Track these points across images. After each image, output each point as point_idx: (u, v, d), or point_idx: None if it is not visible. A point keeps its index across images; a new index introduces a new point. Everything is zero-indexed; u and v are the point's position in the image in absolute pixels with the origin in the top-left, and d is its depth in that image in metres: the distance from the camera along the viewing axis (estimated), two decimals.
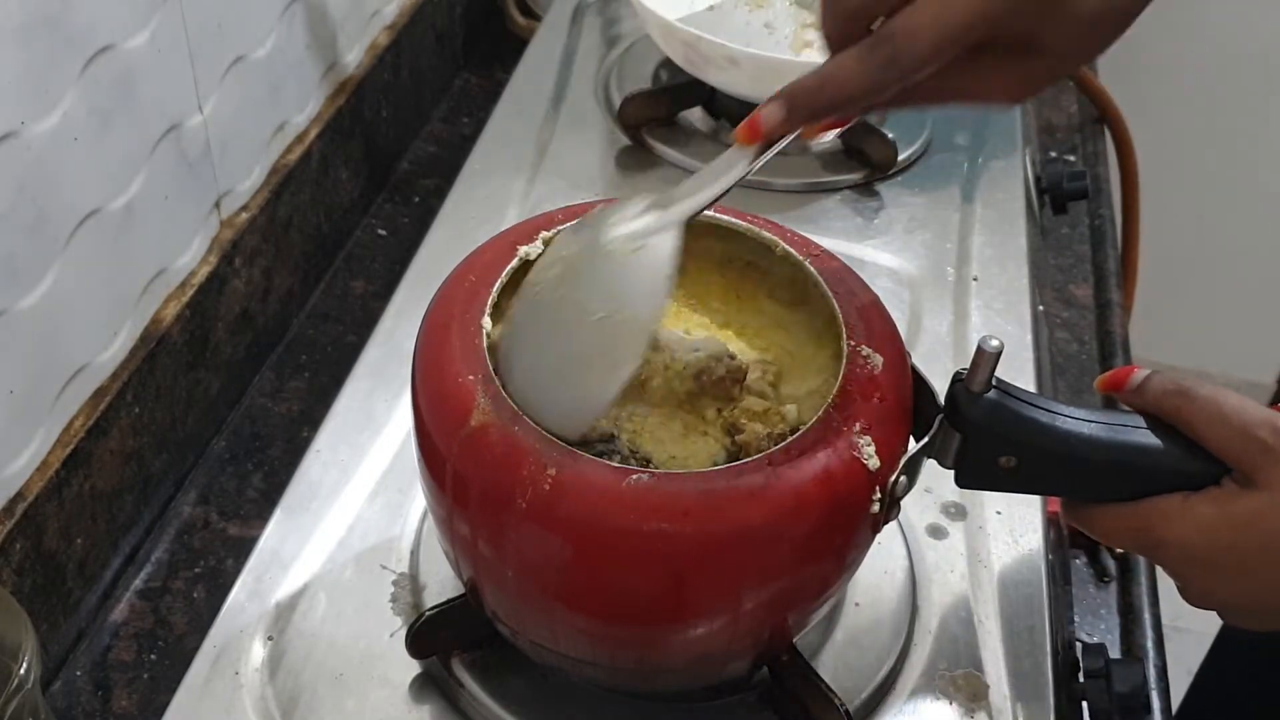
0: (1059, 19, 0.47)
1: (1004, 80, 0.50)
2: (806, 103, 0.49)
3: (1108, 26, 0.49)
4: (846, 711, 0.57)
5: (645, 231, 0.51)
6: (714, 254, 0.62)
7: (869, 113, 0.51)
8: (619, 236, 0.52)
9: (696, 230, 0.61)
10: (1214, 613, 0.53)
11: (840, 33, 0.48)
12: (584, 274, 0.52)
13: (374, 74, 1.01)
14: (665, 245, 0.50)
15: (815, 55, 0.99)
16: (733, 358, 0.56)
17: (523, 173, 0.94)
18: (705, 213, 0.60)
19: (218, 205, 0.82)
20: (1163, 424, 0.51)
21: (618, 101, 0.99)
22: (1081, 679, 0.68)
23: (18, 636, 0.50)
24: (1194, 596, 0.52)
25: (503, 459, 0.49)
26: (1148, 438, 0.51)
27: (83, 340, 0.69)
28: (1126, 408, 0.54)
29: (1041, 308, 0.93)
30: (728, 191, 0.52)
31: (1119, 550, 0.81)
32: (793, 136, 0.51)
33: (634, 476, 0.48)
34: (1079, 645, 0.71)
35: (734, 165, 0.52)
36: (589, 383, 0.50)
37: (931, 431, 0.53)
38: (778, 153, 0.52)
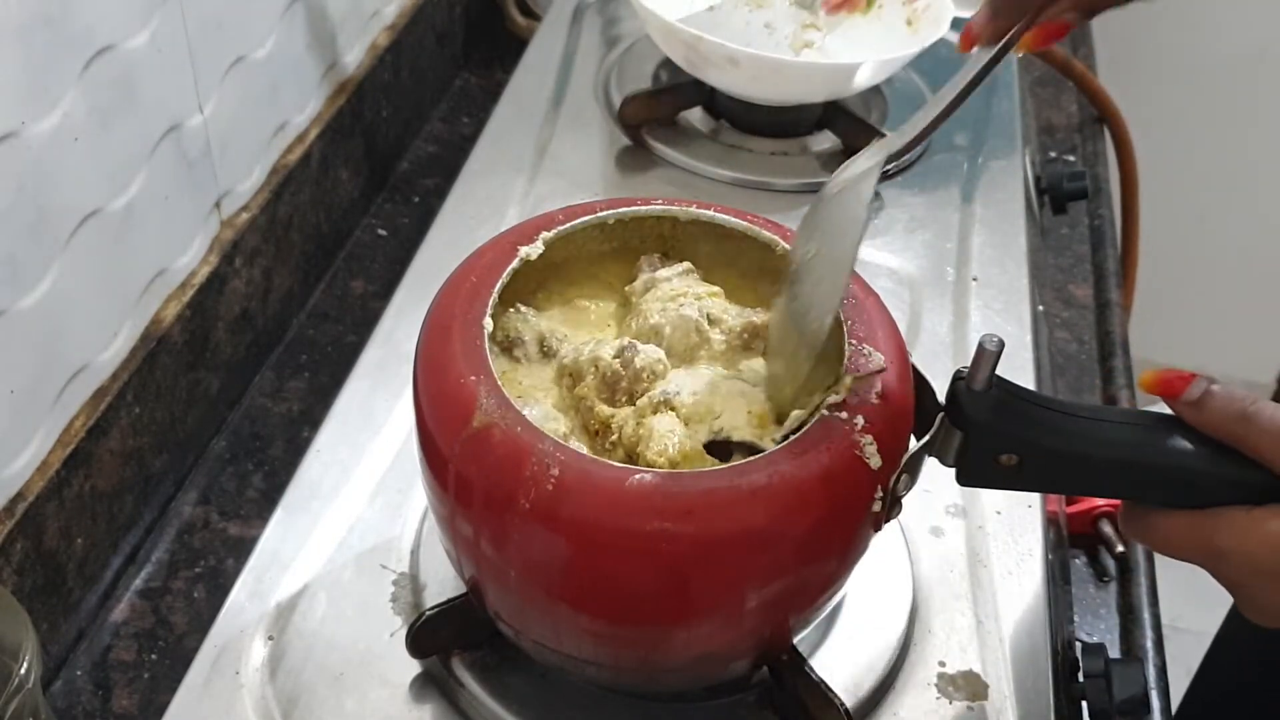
0: None
1: None
2: (1006, 6, 0.49)
3: None
4: (846, 711, 0.57)
5: (855, 176, 0.54)
6: (724, 255, 0.62)
7: (1091, 15, 0.50)
8: (837, 181, 0.55)
9: (702, 233, 0.62)
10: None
11: None
12: (811, 215, 0.56)
13: (374, 74, 1.01)
14: (862, 188, 0.53)
15: (815, 55, 0.99)
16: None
17: (523, 173, 0.95)
18: (708, 215, 0.61)
19: (218, 205, 0.82)
20: (1187, 426, 0.51)
21: (618, 101, 0.99)
22: (1081, 679, 0.68)
23: (18, 636, 0.50)
24: (1257, 610, 0.51)
25: (505, 459, 0.49)
26: (1151, 435, 0.51)
27: (83, 340, 0.69)
28: (1127, 406, 0.53)
29: (1041, 308, 0.93)
30: (947, 113, 0.53)
31: (1119, 549, 0.81)
32: (1007, 42, 0.50)
33: (636, 476, 0.48)
34: (1079, 645, 0.71)
35: (952, 86, 0.52)
36: (810, 311, 0.53)
37: (933, 430, 0.53)
38: (998, 61, 0.51)
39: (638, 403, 0.54)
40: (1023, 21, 0.50)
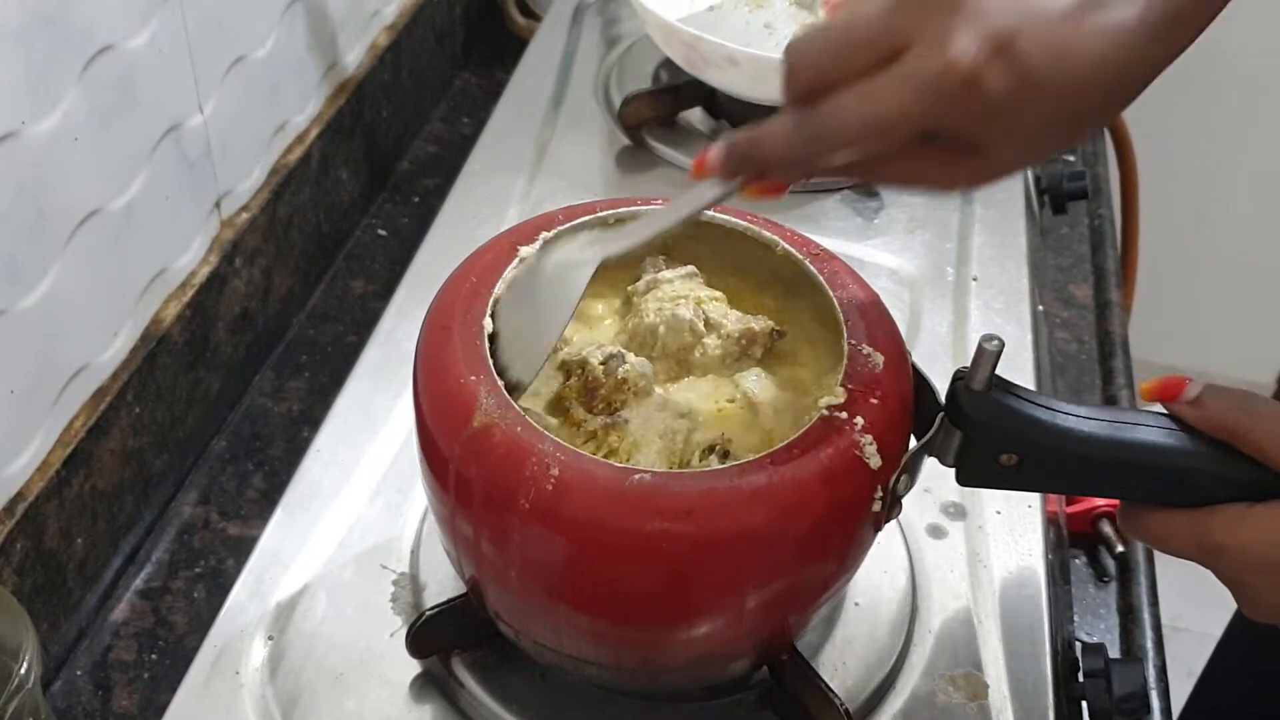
0: (999, 128, 0.45)
1: (944, 173, 0.49)
2: (742, 154, 0.49)
3: (1050, 139, 0.48)
4: (846, 711, 0.57)
5: (575, 261, 0.54)
6: (723, 256, 0.62)
7: (807, 179, 0.51)
8: (555, 261, 0.56)
9: (702, 233, 0.62)
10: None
11: (792, 97, 0.48)
12: (523, 285, 0.56)
13: (374, 74, 1.01)
14: (578, 279, 0.54)
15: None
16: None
17: (523, 173, 0.94)
18: (708, 215, 0.61)
19: (218, 205, 0.82)
20: (1186, 426, 0.51)
21: (618, 101, 0.99)
22: (1081, 679, 0.68)
23: (18, 636, 0.50)
24: (1257, 607, 0.52)
25: (505, 459, 0.49)
26: (1149, 434, 0.51)
27: (83, 340, 0.69)
28: (1127, 406, 0.53)
29: (1041, 308, 0.93)
30: (659, 232, 0.53)
31: (1119, 549, 0.81)
32: (729, 191, 0.51)
33: (636, 476, 0.48)
34: (1079, 645, 0.71)
35: (671, 208, 0.53)
36: (514, 367, 0.53)
37: (932, 430, 0.53)
38: (709, 207, 0.53)
39: (597, 422, 0.54)
40: (753, 176, 0.51)
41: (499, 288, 0.56)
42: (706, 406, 0.56)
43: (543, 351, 0.53)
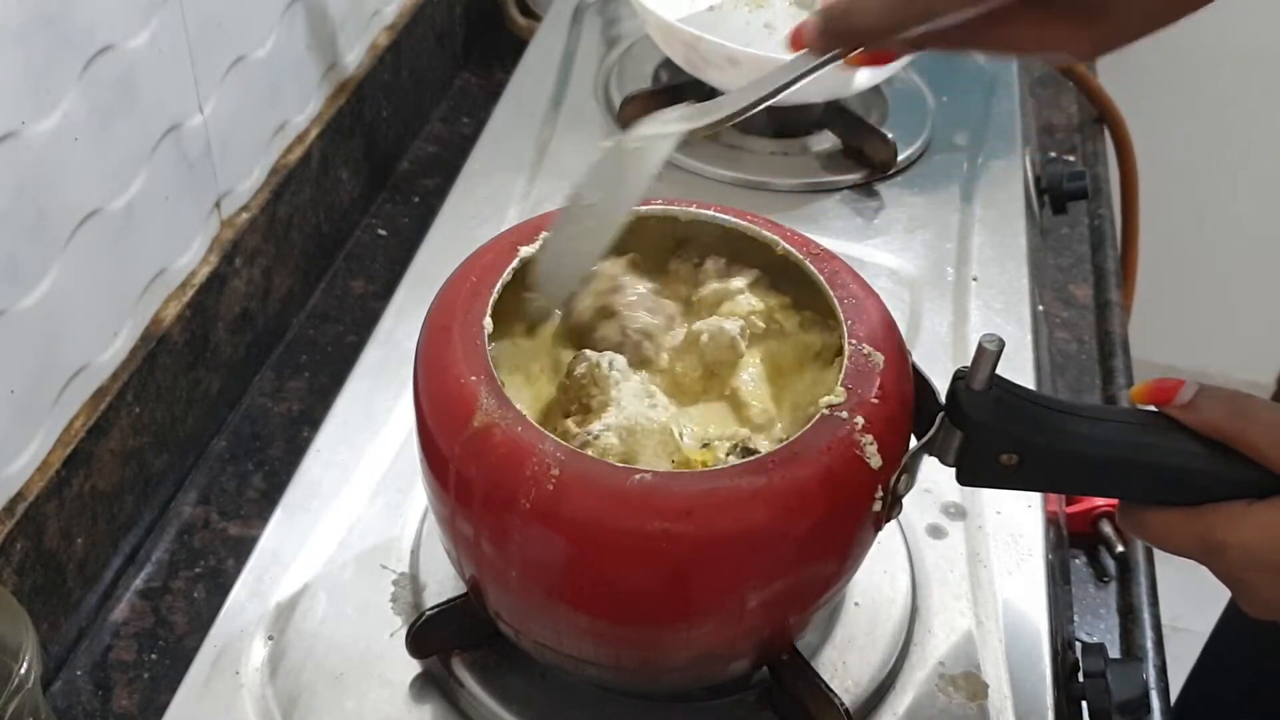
0: None
1: (1064, 36, 0.48)
2: (835, 27, 0.49)
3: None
4: (846, 711, 0.57)
5: (656, 135, 0.53)
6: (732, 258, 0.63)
7: (914, 51, 0.50)
8: (636, 135, 0.54)
9: (702, 233, 0.62)
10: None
11: None
12: (598, 164, 0.55)
13: (374, 74, 1.01)
14: (658, 151, 0.53)
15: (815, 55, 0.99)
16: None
17: (523, 173, 0.94)
18: (708, 215, 0.61)
19: (218, 205, 0.82)
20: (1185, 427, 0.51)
21: (618, 101, 0.99)
22: (1081, 679, 0.68)
23: (18, 636, 0.50)
24: (1257, 604, 0.51)
25: (506, 459, 0.49)
26: (1150, 434, 0.51)
27: (83, 340, 0.69)
28: (1127, 406, 0.53)
29: (1041, 308, 0.93)
30: (757, 105, 0.53)
31: (1119, 549, 0.81)
32: (828, 60, 0.50)
33: (637, 476, 0.48)
34: (1078, 645, 0.71)
35: (765, 80, 0.52)
36: (573, 256, 0.54)
37: (933, 430, 0.53)
38: (804, 79, 0.51)
39: (573, 431, 0.54)
40: (850, 47, 0.50)
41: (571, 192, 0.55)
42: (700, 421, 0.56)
43: (611, 229, 0.52)
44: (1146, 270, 1.37)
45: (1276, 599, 0.51)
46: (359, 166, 1.01)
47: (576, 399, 0.55)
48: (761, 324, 0.59)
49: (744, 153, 0.98)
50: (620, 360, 0.55)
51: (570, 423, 0.54)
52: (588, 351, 0.56)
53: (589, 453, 0.51)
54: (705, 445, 0.55)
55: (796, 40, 0.50)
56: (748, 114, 0.53)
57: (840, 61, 0.51)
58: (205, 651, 0.62)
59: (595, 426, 0.53)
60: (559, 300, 0.54)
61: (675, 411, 0.56)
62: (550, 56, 1.08)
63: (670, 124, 0.54)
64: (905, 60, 0.52)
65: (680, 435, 0.54)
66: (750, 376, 0.58)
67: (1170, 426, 0.51)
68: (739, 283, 0.60)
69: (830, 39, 0.49)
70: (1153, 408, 0.52)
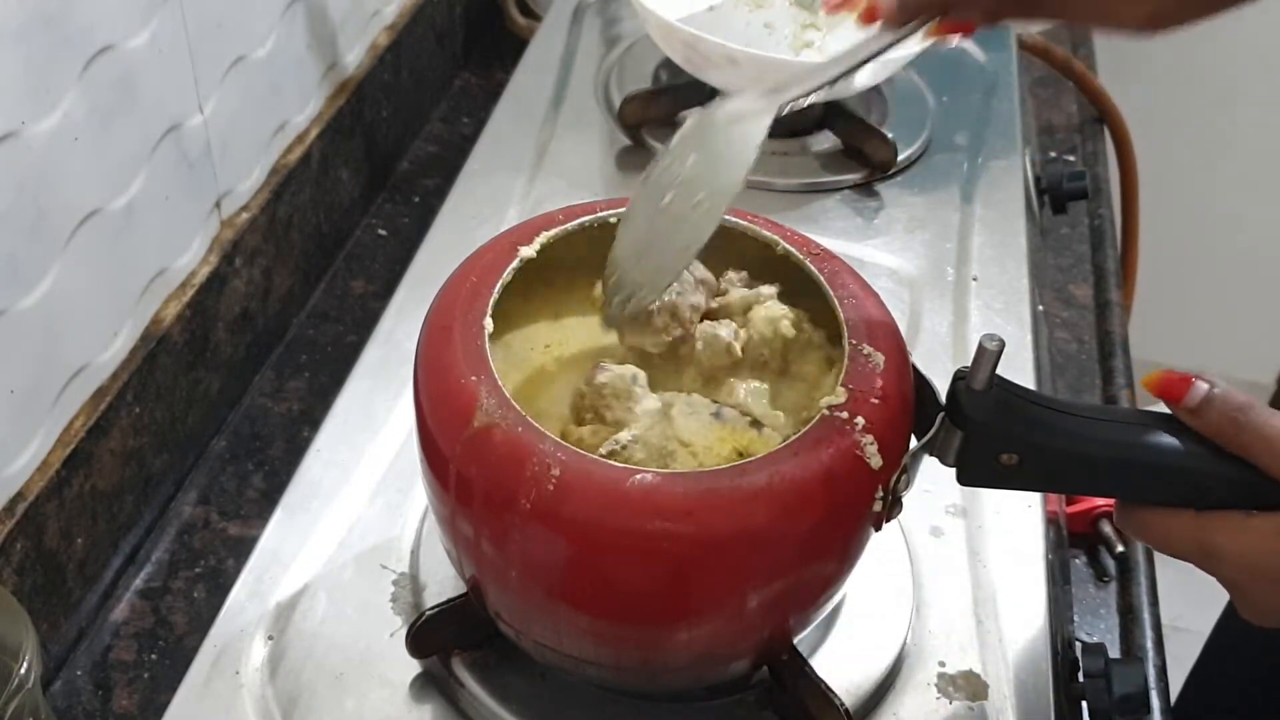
0: None
1: (1124, 7, 0.49)
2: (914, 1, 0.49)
3: None
4: (846, 711, 0.57)
5: (747, 112, 0.53)
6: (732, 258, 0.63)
7: (991, 22, 0.51)
8: (725, 112, 0.54)
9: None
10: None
11: None
12: (687, 144, 0.54)
13: (374, 74, 1.01)
14: (755, 127, 0.52)
15: (815, 55, 0.99)
16: None
17: (523, 173, 0.94)
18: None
19: (218, 205, 0.82)
20: (1186, 427, 0.51)
21: (618, 101, 0.99)
22: (1081, 679, 0.68)
23: (18, 636, 0.50)
24: (1256, 611, 0.52)
25: (506, 459, 0.49)
26: (1150, 434, 0.51)
27: (83, 340, 0.69)
28: (1127, 406, 0.53)
29: (1041, 308, 0.93)
30: (840, 77, 0.52)
31: (1119, 549, 0.81)
32: (904, 36, 0.50)
33: (637, 476, 0.48)
34: (1079, 645, 0.71)
35: (849, 54, 0.52)
36: (672, 241, 0.52)
37: (933, 429, 0.53)
38: (883, 53, 0.51)
39: (600, 449, 0.53)
40: (928, 17, 0.50)
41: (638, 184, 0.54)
42: (703, 435, 0.56)
43: (715, 215, 0.51)
44: (1146, 270, 1.37)
45: (1273, 606, 0.51)
46: (359, 166, 1.01)
47: (593, 408, 0.54)
48: (793, 331, 0.59)
49: None
50: (642, 375, 0.55)
51: (585, 431, 0.54)
52: (609, 363, 0.55)
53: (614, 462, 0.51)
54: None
55: (870, 14, 0.50)
56: (829, 87, 0.53)
57: (920, 34, 0.51)
58: (205, 651, 0.62)
59: (623, 436, 0.52)
60: (652, 298, 0.53)
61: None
62: (550, 56, 1.08)
63: (757, 99, 0.54)
64: (953, 42, 0.52)
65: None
66: (749, 384, 0.58)
67: (1172, 427, 0.51)
68: (769, 289, 0.60)
69: (911, 11, 0.49)
70: (1155, 407, 0.52)
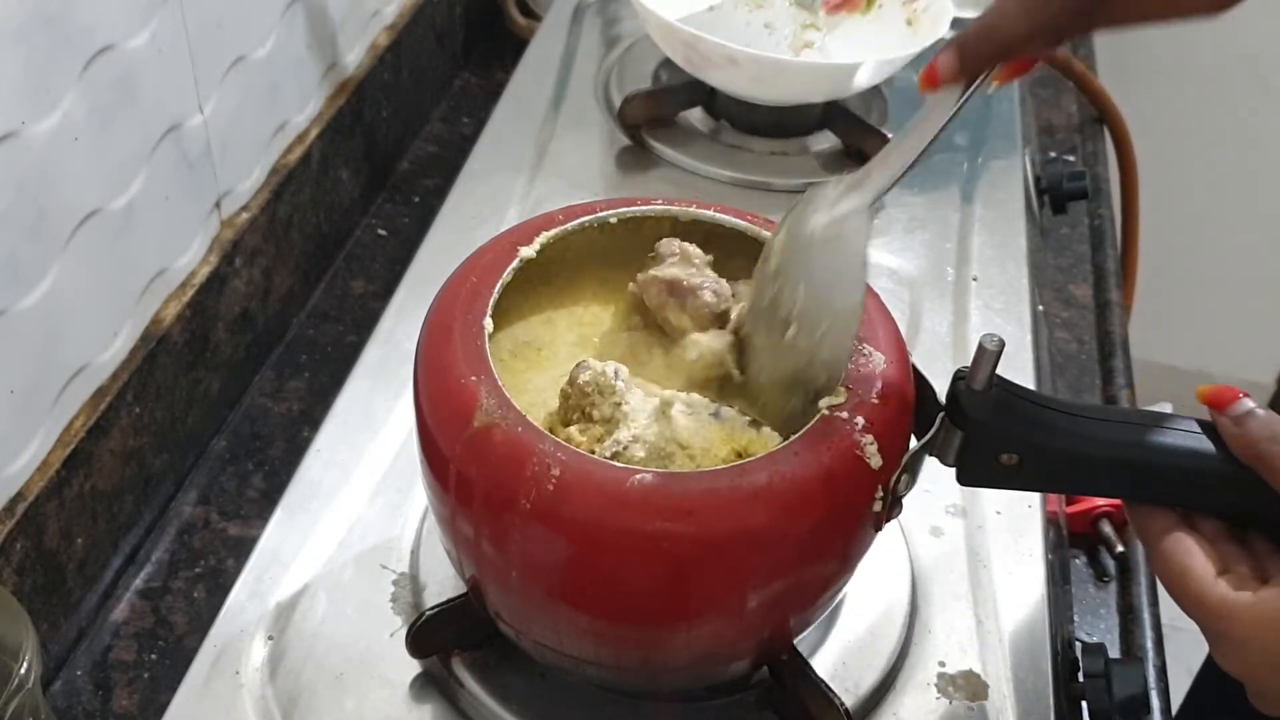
0: None
1: None
2: (975, 51, 0.49)
3: None
4: (846, 711, 0.57)
5: (842, 217, 0.52)
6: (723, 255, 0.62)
7: (1053, 46, 0.51)
8: (820, 229, 0.52)
9: (702, 233, 0.62)
10: None
11: None
12: (791, 270, 0.53)
13: (374, 74, 1.01)
14: (859, 231, 0.51)
15: (815, 55, 0.99)
16: None
17: (523, 173, 0.95)
18: (708, 215, 0.61)
19: (218, 205, 0.82)
20: (1214, 434, 0.51)
21: (618, 101, 0.99)
22: (1081, 679, 0.68)
23: (18, 636, 0.50)
24: (1268, 702, 0.50)
25: (506, 460, 0.49)
26: (1150, 434, 0.51)
27: (83, 340, 0.69)
28: (1127, 406, 0.53)
29: (1041, 308, 0.93)
30: (926, 150, 0.52)
31: (1119, 549, 0.81)
32: (981, 83, 0.50)
33: (637, 476, 0.48)
34: (1079, 645, 0.71)
35: (921, 125, 0.52)
36: (816, 375, 0.52)
37: (933, 429, 0.53)
38: (969, 100, 0.51)
39: (598, 449, 0.53)
40: (991, 66, 0.50)
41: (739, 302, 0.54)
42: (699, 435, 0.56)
43: (846, 341, 0.51)
44: (1146, 270, 1.37)
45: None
46: (359, 166, 1.01)
47: (579, 407, 0.54)
48: None
49: (744, 153, 0.98)
50: (624, 370, 0.55)
51: (574, 430, 0.54)
52: (590, 360, 0.55)
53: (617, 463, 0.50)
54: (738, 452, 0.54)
55: (931, 79, 0.50)
56: (911, 171, 0.53)
57: (987, 84, 0.50)
58: (205, 651, 0.62)
59: (623, 435, 0.52)
60: (797, 417, 0.52)
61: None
62: (550, 56, 1.08)
63: (846, 201, 0.52)
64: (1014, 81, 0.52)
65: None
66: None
67: (1171, 427, 0.51)
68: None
69: (974, 63, 0.49)
70: (1155, 407, 0.52)
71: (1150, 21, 0.49)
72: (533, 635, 0.55)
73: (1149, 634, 0.77)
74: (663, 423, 0.53)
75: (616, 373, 0.54)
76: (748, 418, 0.53)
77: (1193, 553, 0.51)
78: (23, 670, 0.49)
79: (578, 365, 0.55)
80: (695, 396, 0.54)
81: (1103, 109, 1.23)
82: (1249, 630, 0.49)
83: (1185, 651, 0.95)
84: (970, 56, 0.49)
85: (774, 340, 0.53)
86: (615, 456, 0.51)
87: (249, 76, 0.82)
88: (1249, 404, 0.51)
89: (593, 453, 0.51)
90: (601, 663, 0.55)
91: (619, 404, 0.53)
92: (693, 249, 0.59)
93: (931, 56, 0.51)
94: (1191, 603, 0.51)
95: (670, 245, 0.59)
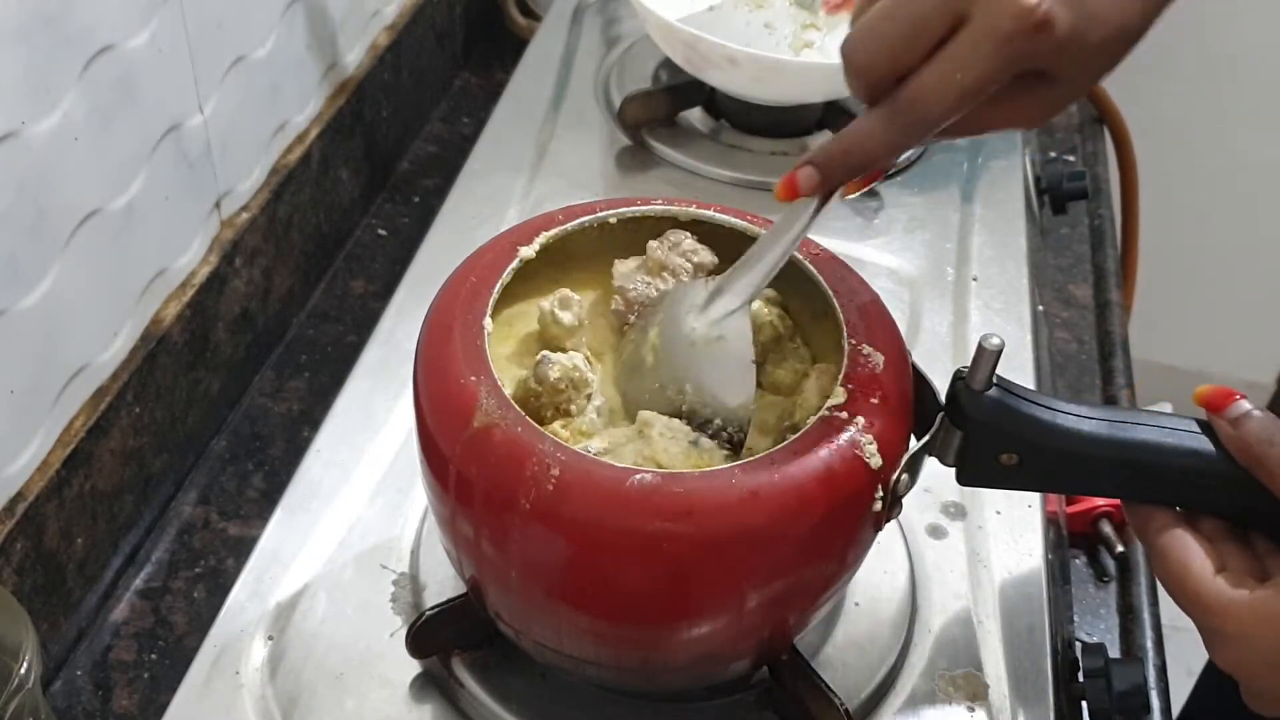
0: (1070, 53, 0.48)
1: (1024, 109, 0.51)
2: (838, 166, 0.51)
3: (1116, 47, 0.50)
4: (846, 711, 0.57)
5: (719, 319, 0.54)
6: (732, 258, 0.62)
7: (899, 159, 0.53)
8: (698, 330, 0.55)
9: (702, 233, 0.62)
10: None
11: (867, 94, 0.50)
12: (673, 366, 0.55)
13: (374, 74, 1.01)
14: (741, 333, 0.54)
15: (815, 55, 0.99)
16: None
17: (523, 173, 0.94)
18: (708, 215, 0.61)
19: (218, 205, 0.82)
20: (1212, 434, 0.51)
21: (618, 101, 0.99)
22: (1081, 679, 0.68)
23: (18, 636, 0.50)
24: (1263, 701, 0.51)
25: (506, 460, 0.49)
26: (1149, 434, 0.51)
27: (83, 340, 0.69)
28: (1127, 406, 0.53)
29: (1041, 308, 0.93)
30: (786, 256, 0.54)
31: (1119, 549, 0.81)
32: (834, 197, 0.52)
33: (637, 476, 0.48)
34: (1079, 645, 0.71)
35: (783, 231, 0.54)
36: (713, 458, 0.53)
37: (933, 429, 0.53)
38: (811, 225, 0.53)
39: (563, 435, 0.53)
40: (851, 178, 0.52)
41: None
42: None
43: (745, 412, 0.53)
44: (1146, 270, 1.37)
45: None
46: (359, 166, 1.01)
47: (552, 404, 0.55)
48: (783, 326, 0.59)
49: (744, 153, 0.98)
50: (582, 358, 0.56)
51: (558, 425, 0.54)
52: (549, 354, 0.55)
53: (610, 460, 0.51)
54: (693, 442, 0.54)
55: (790, 190, 0.52)
56: (770, 277, 0.54)
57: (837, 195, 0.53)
58: (205, 651, 0.62)
59: (593, 445, 0.53)
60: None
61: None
62: (550, 56, 1.08)
63: (721, 303, 0.55)
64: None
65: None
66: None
67: (1169, 428, 0.51)
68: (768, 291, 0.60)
69: (835, 179, 0.52)
70: (1155, 407, 0.52)
71: (977, 134, 0.53)
72: (533, 635, 0.55)
73: (1149, 634, 0.77)
74: (640, 442, 0.53)
75: (581, 363, 0.55)
76: (725, 451, 0.54)
77: (1191, 550, 0.51)
78: (23, 670, 0.49)
79: (539, 362, 0.55)
80: (677, 423, 0.54)
81: (1103, 109, 1.23)
82: (1245, 628, 0.49)
83: (1185, 651, 0.95)
84: (831, 172, 0.51)
85: (659, 407, 0.55)
86: (604, 454, 0.51)
87: (249, 76, 0.82)
88: (1245, 405, 0.51)
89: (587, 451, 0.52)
90: (601, 663, 0.55)
91: (589, 394, 0.54)
92: (684, 248, 0.60)
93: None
94: (1189, 600, 0.51)
95: (662, 250, 0.60)
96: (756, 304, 0.59)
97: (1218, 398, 0.52)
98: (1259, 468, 0.50)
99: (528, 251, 0.57)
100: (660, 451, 0.52)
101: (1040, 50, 0.47)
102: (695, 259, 0.60)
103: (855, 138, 0.50)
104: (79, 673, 0.70)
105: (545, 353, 0.55)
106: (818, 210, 0.52)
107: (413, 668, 0.61)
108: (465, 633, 0.60)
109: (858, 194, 0.54)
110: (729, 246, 0.62)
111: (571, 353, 0.56)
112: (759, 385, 0.58)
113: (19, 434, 0.65)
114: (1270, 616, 0.49)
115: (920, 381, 0.55)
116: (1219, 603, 0.50)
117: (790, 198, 0.52)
